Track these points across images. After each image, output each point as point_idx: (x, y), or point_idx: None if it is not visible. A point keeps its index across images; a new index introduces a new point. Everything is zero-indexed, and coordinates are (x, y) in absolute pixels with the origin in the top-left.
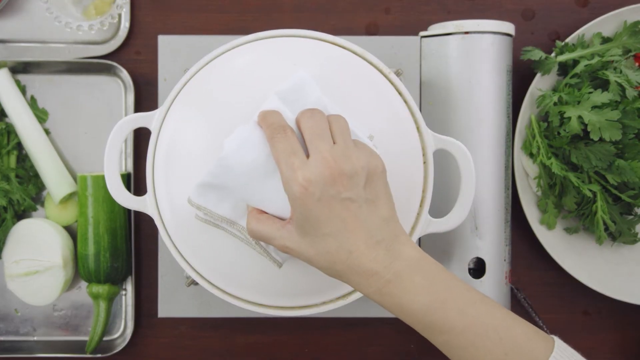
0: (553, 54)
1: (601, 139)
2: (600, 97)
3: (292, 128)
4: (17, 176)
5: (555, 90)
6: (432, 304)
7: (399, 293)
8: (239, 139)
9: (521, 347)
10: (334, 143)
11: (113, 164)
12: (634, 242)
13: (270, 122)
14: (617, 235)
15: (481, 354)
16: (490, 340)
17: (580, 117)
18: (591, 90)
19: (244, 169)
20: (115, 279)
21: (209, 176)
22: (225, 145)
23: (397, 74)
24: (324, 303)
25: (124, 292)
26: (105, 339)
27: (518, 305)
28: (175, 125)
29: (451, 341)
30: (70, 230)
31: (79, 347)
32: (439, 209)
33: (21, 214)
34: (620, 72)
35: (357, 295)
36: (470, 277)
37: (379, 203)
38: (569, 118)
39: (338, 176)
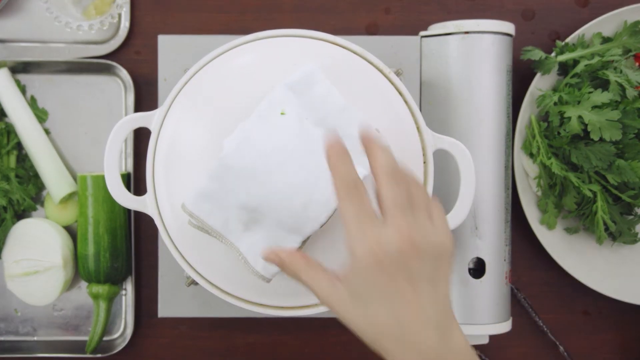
0: (553, 54)
1: (601, 139)
2: (600, 97)
3: (363, 184)
4: (17, 176)
5: (555, 90)
6: None
7: None
8: (238, 138)
9: None
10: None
11: (113, 164)
12: (634, 242)
13: (342, 175)
14: (617, 235)
15: None
16: None
17: (580, 117)
18: (591, 90)
19: (243, 169)
20: (115, 279)
21: (209, 179)
22: (225, 145)
23: (397, 74)
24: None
25: (124, 292)
26: (105, 339)
27: (518, 305)
28: (175, 125)
29: None
30: (70, 230)
31: (79, 347)
32: None
33: (21, 214)
34: (620, 71)
35: None
36: (470, 277)
37: (440, 285)
38: (569, 118)
39: (409, 248)
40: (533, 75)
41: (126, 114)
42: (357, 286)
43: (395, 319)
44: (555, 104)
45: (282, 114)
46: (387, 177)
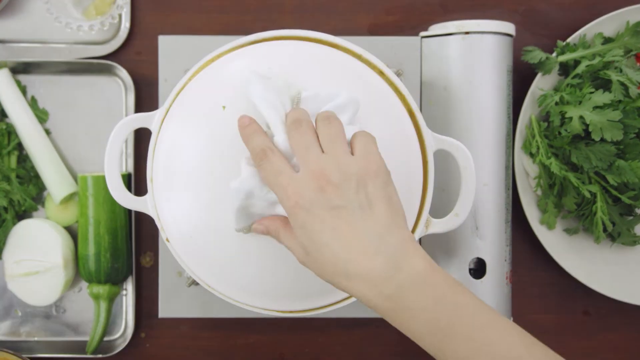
0: (554, 54)
1: (602, 139)
2: (601, 97)
3: (273, 149)
4: (17, 176)
5: (556, 90)
6: (436, 326)
7: (400, 311)
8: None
9: None
10: (322, 152)
11: (113, 164)
12: (634, 243)
13: (252, 147)
14: (616, 236)
15: None
16: None
17: (581, 117)
18: (592, 90)
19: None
20: (115, 279)
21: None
22: (231, 186)
23: (398, 74)
24: (323, 307)
25: (124, 293)
26: (105, 339)
27: (518, 305)
28: (175, 126)
29: None
30: (71, 231)
31: (79, 347)
32: (439, 209)
33: (22, 215)
34: (621, 71)
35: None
36: (470, 278)
37: (375, 209)
38: (570, 118)
39: (326, 185)
40: (534, 75)
41: (126, 115)
42: (299, 236)
43: (336, 255)
44: (556, 103)
45: None
46: (292, 125)
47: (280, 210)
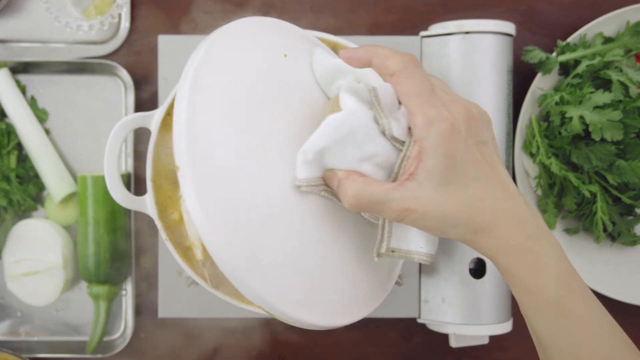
0: (554, 54)
1: (602, 139)
2: (602, 97)
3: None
4: (17, 176)
5: (556, 89)
6: (564, 276)
7: (539, 251)
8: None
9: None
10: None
11: (113, 164)
12: (634, 243)
13: (398, 58)
14: (616, 235)
15: (601, 342)
16: (610, 335)
17: (581, 117)
18: (592, 90)
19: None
20: (115, 279)
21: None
22: (331, 118)
23: None
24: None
25: (124, 293)
26: (105, 339)
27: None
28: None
29: (569, 327)
30: (71, 231)
31: (79, 347)
32: None
33: (21, 214)
34: (621, 71)
35: None
36: (470, 278)
37: (499, 156)
38: (570, 118)
39: (472, 117)
40: (534, 74)
41: (126, 114)
42: (443, 169)
43: (488, 190)
44: (556, 103)
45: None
46: (403, 72)
47: (366, 168)
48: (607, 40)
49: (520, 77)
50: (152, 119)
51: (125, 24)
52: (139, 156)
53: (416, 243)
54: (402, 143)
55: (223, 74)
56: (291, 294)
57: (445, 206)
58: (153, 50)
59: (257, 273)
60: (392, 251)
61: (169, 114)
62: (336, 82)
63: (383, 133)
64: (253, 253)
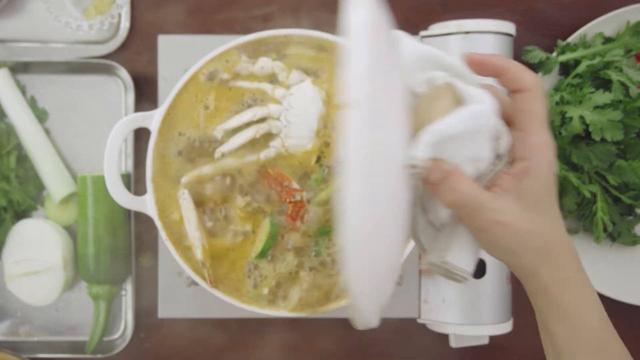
0: (554, 54)
1: (602, 139)
2: (602, 97)
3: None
4: (17, 176)
5: (556, 89)
6: (602, 308)
7: (588, 284)
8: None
9: None
10: None
11: (113, 164)
12: (634, 243)
13: (529, 76)
14: (616, 236)
15: None
16: None
17: (582, 117)
18: (593, 90)
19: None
20: (115, 279)
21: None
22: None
23: None
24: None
25: (124, 293)
26: (105, 339)
27: (518, 305)
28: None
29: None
30: (71, 231)
31: (79, 347)
32: None
33: (21, 214)
34: (621, 71)
35: None
36: (470, 277)
37: None
38: (571, 118)
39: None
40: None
41: (126, 114)
42: (539, 194)
43: (559, 222)
44: (556, 103)
45: None
46: (538, 91)
47: (468, 169)
48: (607, 40)
49: None
50: (152, 119)
51: (125, 24)
52: (138, 156)
53: (465, 261)
54: (498, 156)
55: None
56: None
57: (530, 227)
58: (153, 50)
59: None
60: (444, 262)
61: (169, 113)
62: (425, 72)
63: (494, 141)
64: None
